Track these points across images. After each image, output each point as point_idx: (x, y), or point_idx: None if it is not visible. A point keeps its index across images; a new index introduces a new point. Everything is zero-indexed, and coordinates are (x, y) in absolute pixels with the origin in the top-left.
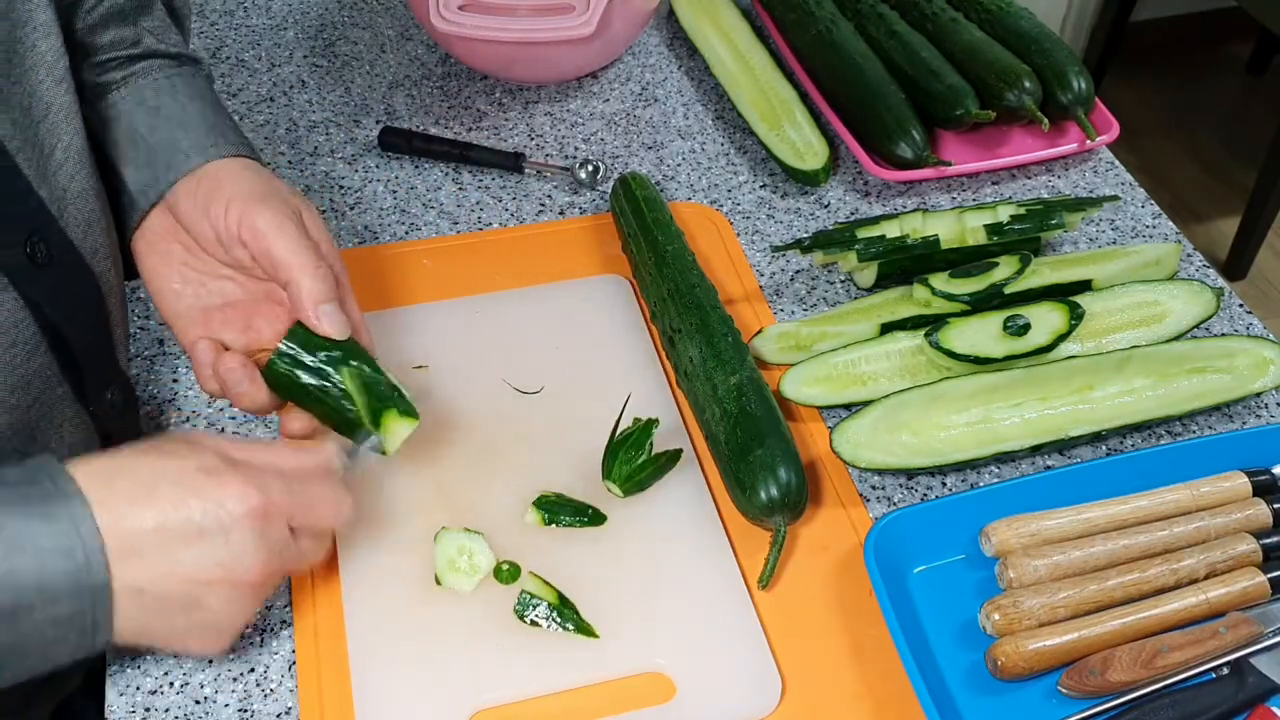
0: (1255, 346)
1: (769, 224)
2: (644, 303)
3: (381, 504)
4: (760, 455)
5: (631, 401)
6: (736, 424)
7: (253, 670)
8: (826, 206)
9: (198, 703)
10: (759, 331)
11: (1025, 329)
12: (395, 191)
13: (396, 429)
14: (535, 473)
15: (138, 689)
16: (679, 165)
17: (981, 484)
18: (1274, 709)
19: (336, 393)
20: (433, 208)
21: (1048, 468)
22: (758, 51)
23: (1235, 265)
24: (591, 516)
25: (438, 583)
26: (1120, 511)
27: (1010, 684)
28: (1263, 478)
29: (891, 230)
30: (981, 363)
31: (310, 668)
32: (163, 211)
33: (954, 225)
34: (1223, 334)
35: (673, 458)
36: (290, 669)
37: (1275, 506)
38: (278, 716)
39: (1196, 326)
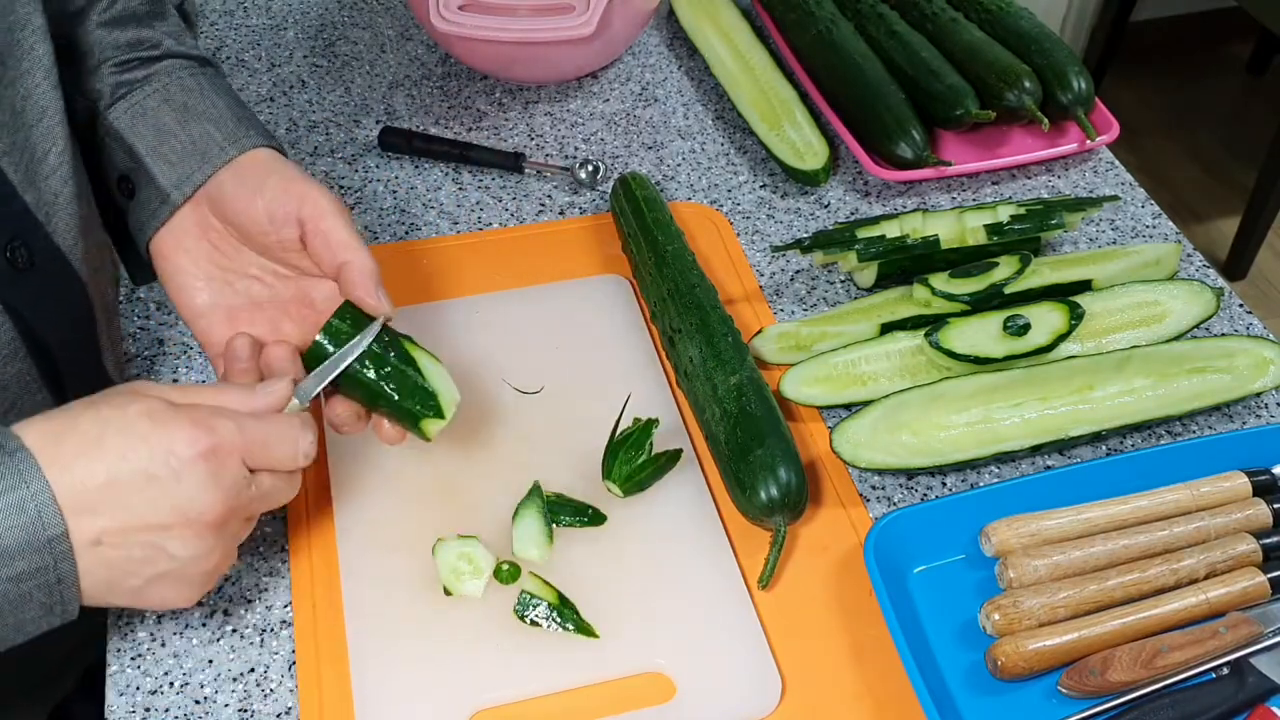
0: (1255, 346)
1: (769, 224)
2: (644, 303)
3: (381, 504)
4: (760, 455)
5: (631, 401)
6: (736, 424)
7: (253, 670)
8: (826, 206)
9: (198, 703)
10: (759, 331)
11: (1025, 329)
12: (395, 191)
13: (436, 425)
14: (535, 473)
15: (138, 689)
16: (679, 165)
17: (981, 484)
18: (1274, 709)
19: (396, 375)
20: (433, 208)
21: (1048, 468)
22: (758, 51)
23: (1235, 265)
24: (591, 516)
25: (447, 593)
26: (1120, 511)
27: (1010, 684)
28: (1263, 478)
29: (891, 230)
30: (981, 363)
31: (310, 668)
32: (195, 206)
33: (954, 225)
34: (1223, 334)
35: (673, 458)
36: (290, 669)
37: (1275, 506)
38: (278, 716)
39: (1196, 326)
